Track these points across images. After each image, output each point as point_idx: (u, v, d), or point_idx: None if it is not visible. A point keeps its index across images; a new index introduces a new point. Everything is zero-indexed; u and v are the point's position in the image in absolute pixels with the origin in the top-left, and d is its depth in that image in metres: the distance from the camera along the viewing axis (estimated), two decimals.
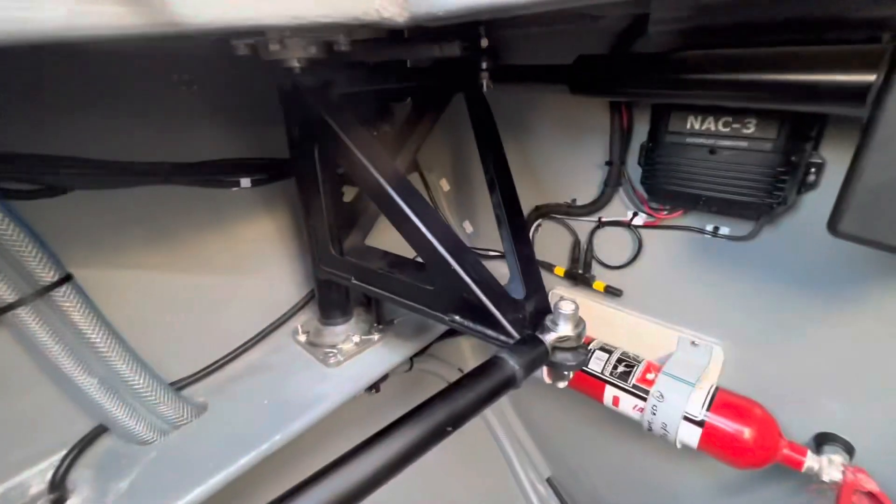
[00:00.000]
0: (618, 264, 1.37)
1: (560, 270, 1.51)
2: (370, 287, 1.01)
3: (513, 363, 0.68)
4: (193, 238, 1.22)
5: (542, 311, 0.85)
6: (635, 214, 1.27)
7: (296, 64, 0.92)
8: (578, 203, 1.39)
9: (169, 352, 1.12)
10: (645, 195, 1.21)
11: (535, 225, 1.51)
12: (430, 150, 1.76)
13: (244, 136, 1.35)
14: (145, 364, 1.01)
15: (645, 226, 1.26)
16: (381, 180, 0.84)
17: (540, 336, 0.74)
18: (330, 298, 1.20)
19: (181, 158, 1.20)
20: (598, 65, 0.94)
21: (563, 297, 0.82)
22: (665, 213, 1.19)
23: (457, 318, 0.87)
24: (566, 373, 0.79)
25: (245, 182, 1.38)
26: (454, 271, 0.82)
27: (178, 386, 1.11)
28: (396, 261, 1.07)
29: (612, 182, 1.26)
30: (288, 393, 1.12)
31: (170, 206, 1.19)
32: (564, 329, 0.75)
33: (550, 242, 1.51)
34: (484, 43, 1.19)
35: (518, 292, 0.89)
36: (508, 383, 0.66)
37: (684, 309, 1.28)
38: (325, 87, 0.93)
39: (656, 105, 1.07)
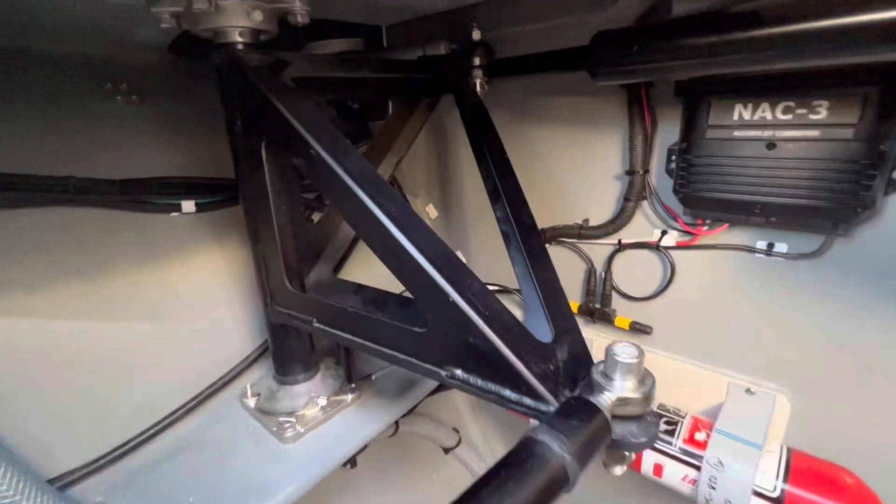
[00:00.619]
0: (644, 295, 1.13)
1: (573, 305, 1.26)
2: (337, 332, 0.74)
3: (558, 449, 0.42)
4: (109, 274, 0.94)
5: (580, 360, 0.60)
6: (664, 233, 1.05)
7: (237, 38, 0.70)
8: (592, 223, 1.17)
9: (56, 432, 0.81)
10: (678, 208, 1.00)
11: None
12: (415, 171, 1.54)
13: (197, 155, 1.12)
14: (10, 452, 0.70)
15: (678, 246, 1.04)
16: (346, 177, 0.60)
17: (591, 399, 0.48)
18: (287, 349, 0.92)
19: (110, 176, 0.96)
20: (625, 38, 0.75)
21: (617, 341, 0.57)
22: (705, 228, 0.98)
23: (459, 372, 0.60)
24: (628, 454, 0.52)
25: (187, 206, 1.12)
26: (453, 304, 0.56)
27: (65, 482, 0.79)
28: (376, 296, 0.81)
29: (634, 195, 1.05)
30: (224, 483, 0.81)
31: (80, 233, 0.92)
32: (625, 386, 0.50)
33: (560, 272, 1.27)
34: (476, 35, 1.01)
35: (543, 333, 0.64)
36: (557, 485, 0.40)
37: (733, 348, 1.04)
38: (275, 67, 0.71)
39: (691, 95, 0.88)
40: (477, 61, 1.02)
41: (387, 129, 1.06)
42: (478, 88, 1.03)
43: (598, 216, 1.16)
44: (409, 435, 1.51)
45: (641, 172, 1.02)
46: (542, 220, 1.26)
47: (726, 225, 0.95)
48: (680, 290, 1.08)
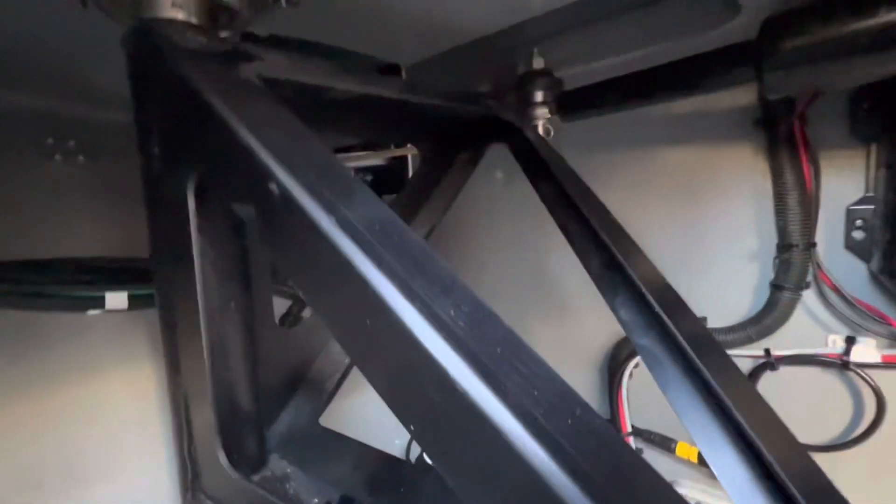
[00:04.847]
0: (822, 442, 0.70)
1: (688, 449, 0.83)
2: None
3: None
4: None
5: None
6: (852, 342, 0.66)
7: (171, 13, 0.40)
8: (714, 324, 0.79)
9: None
10: (880, 302, 0.62)
11: (629, 368, 0.88)
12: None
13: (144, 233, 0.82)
14: None
15: (885, 363, 0.64)
16: (338, 237, 0.25)
17: None
18: None
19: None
20: (827, 17, 0.44)
21: None
22: None
23: None
24: None
25: (115, 299, 0.76)
26: None
27: None
28: (391, 474, 0.41)
29: (791, 281, 0.68)
30: None
31: None
32: None
33: (660, 397, 0.86)
34: (538, 63, 0.74)
35: None
36: None
37: None
38: (227, 59, 0.40)
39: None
40: (540, 96, 0.72)
41: (412, 189, 0.73)
42: (540, 131, 0.73)
43: (723, 314, 0.78)
44: None
45: (802, 247, 0.66)
46: None
47: None
48: (893, 436, 0.65)
